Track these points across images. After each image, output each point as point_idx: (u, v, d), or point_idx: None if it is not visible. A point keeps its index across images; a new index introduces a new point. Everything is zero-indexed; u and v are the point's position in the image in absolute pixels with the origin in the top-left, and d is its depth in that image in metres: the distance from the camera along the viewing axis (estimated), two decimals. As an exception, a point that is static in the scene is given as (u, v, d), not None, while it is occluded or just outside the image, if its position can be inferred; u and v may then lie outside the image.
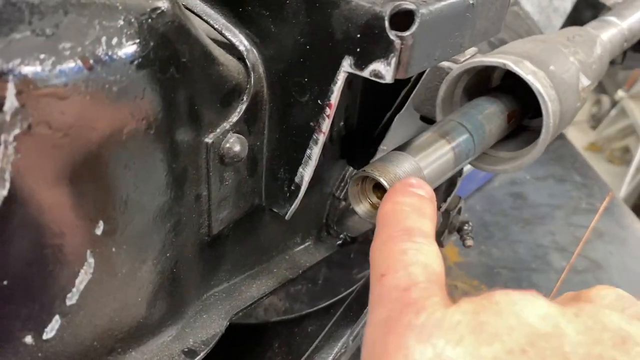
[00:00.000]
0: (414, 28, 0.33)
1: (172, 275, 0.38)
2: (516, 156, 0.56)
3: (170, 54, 0.32)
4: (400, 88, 0.52)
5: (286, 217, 0.45)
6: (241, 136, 0.40)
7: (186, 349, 0.41)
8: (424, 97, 0.61)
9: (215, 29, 0.40)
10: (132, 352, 0.37)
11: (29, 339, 0.31)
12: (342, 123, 0.54)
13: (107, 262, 0.32)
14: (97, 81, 0.27)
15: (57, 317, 0.31)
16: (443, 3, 0.34)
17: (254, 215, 0.47)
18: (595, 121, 3.31)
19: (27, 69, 0.25)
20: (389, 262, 0.31)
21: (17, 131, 0.25)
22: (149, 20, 0.31)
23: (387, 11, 0.32)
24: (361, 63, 0.35)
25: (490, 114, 0.52)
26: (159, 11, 0.31)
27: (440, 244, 0.60)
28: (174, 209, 0.36)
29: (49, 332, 0.31)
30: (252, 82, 0.40)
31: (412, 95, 0.52)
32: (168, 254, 0.37)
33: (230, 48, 0.40)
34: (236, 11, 0.40)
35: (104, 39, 0.27)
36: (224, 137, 0.39)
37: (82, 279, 0.31)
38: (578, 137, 3.19)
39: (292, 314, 0.79)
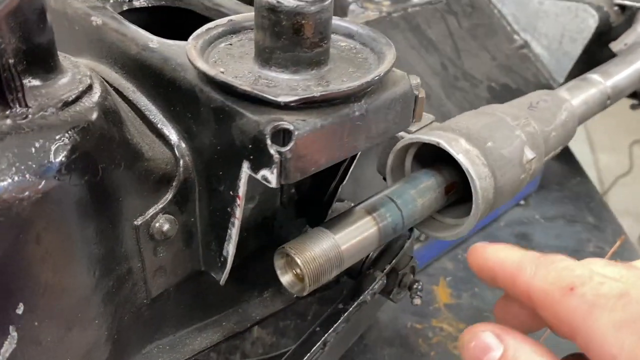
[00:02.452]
0: (290, 145, 0.38)
1: (105, 335, 0.45)
2: (456, 224, 0.59)
3: (91, 163, 0.38)
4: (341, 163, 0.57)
5: (221, 283, 0.50)
6: (171, 216, 0.46)
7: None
8: (383, 161, 0.65)
9: (152, 122, 0.47)
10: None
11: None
12: (293, 190, 0.59)
13: (31, 334, 0.39)
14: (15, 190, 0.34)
15: (-14, 380, 0.38)
16: (324, 121, 0.39)
17: (201, 275, 0.53)
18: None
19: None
20: None
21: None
22: (73, 137, 0.37)
23: (267, 129, 0.38)
24: (254, 168, 0.40)
25: (424, 188, 0.55)
26: (82, 127, 0.38)
27: (392, 299, 0.64)
28: (101, 284, 0.42)
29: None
30: (181, 170, 0.46)
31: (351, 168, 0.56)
32: (97, 321, 0.43)
33: (165, 139, 0.46)
34: (169, 109, 0.46)
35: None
36: (153, 219, 0.45)
37: (7, 348, 0.38)
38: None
39: (278, 349, 0.84)
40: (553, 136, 0.65)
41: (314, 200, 0.61)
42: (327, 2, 0.41)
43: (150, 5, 0.61)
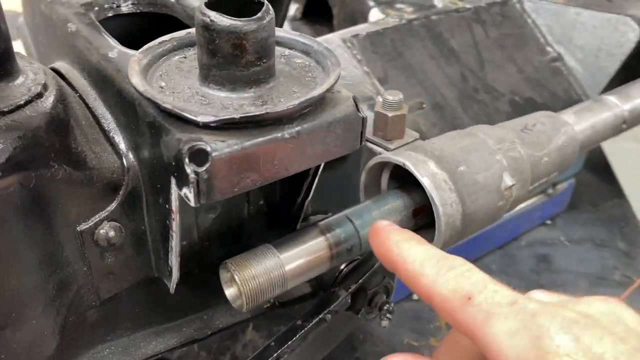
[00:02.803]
0: (206, 166, 0.37)
1: (46, 335, 0.46)
2: (425, 249, 0.57)
3: (23, 171, 0.40)
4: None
5: (170, 291, 0.51)
6: (116, 224, 0.47)
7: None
8: (363, 178, 0.64)
9: (106, 131, 0.48)
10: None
11: None
12: (261, 202, 0.59)
13: (-41, 330, 0.40)
14: None
15: None
16: (245, 143, 0.38)
17: (158, 280, 0.54)
18: None
19: None
20: None
21: None
22: (4, 145, 0.38)
23: (185, 149, 0.38)
24: (178, 185, 0.40)
25: (389, 210, 0.54)
26: (16, 135, 0.39)
27: (361, 318, 0.62)
28: (39, 287, 0.44)
29: None
30: (129, 179, 0.47)
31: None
32: (34, 321, 0.45)
33: (115, 148, 0.47)
34: (120, 119, 0.47)
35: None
36: (98, 226, 0.46)
37: None
38: None
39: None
40: (545, 162, 0.62)
41: (286, 212, 0.60)
42: (264, 21, 0.40)
43: (138, 11, 0.62)
